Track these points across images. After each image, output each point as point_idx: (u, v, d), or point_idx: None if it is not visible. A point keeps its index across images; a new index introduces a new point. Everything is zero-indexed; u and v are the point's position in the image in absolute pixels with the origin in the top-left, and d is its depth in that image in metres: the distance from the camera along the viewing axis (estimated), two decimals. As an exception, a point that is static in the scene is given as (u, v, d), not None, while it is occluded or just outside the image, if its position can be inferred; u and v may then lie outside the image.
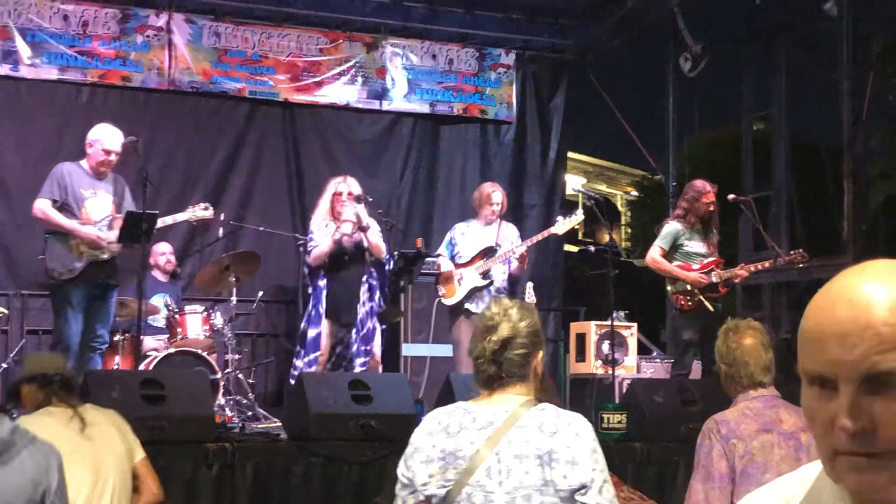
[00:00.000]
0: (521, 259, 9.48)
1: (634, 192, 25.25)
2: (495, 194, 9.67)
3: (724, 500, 4.22)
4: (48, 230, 8.32)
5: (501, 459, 3.20)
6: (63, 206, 8.25)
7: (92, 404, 4.96)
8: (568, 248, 11.69)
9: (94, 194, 8.35)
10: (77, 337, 8.15)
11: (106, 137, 8.44)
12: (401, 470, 3.33)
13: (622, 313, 18.51)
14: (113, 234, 8.24)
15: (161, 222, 8.45)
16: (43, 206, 8.25)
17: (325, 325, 9.28)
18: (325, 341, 9.27)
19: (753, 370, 4.43)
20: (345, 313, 9.34)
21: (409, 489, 3.29)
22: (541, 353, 3.42)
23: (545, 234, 9.73)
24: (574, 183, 16.71)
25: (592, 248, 10.55)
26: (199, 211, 8.69)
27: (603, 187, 28.11)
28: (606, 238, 27.73)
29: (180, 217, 8.58)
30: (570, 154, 26.30)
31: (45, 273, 8.33)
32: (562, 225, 9.61)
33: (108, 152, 8.38)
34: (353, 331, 9.37)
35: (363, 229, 9.29)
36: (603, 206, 9.79)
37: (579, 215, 9.61)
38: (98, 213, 8.31)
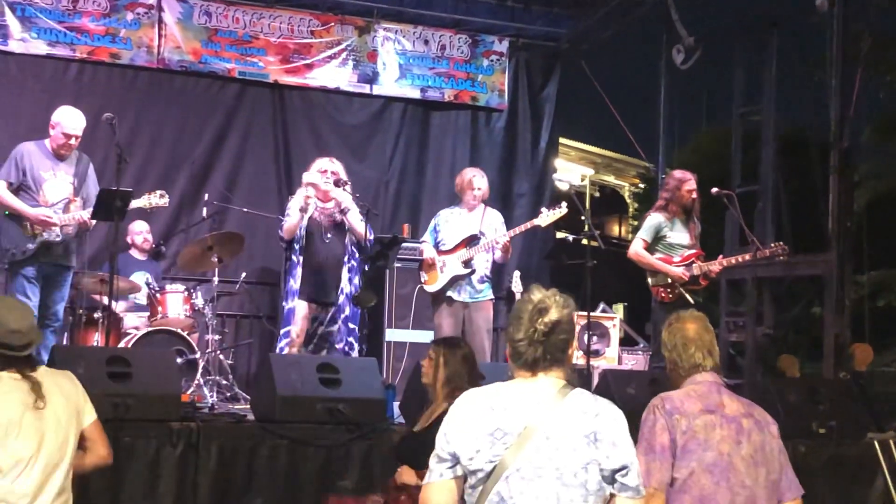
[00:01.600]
0: (504, 248, 9.42)
1: (643, 185, 25.17)
2: (476, 179, 9.59)
3: (664, 471, 4.30)
4: (6, 210, 8.40)
5: (550, 437, 3.32)
6: (22, 187, 8.34)
7: (46, 367, 4.94)
8: (563, 235, 11.50)
9: (53, 176, 8.43)
10: (35, 311, 8.07)
11: (67, 121, 8.46)
12: (440, 444, 3.40)
13: (620, 305, 18.53)
14: (67, 217, 8.32)
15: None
16: None
17: (300, 305, 9.25)
18: (300, 322, 9.24)
19: (694, 353, 4.53)
20: (322, 293, 9.32)
21: (448, 463, 3.38)
22: (575, 342, 3.58)
23: (528, 225, 9.62)
24: (565, 175, 16.60)
25: (570, 238, 10.48)
26: (155, 199, 8.65)
27: (611, 178, 28.00)
28: (616, 229, 27.43)
29: (135, 203, 8.51)
30: (578, 145, 26.40)
31: (0, 252, 8.44)
32: (545, 217, 9.51)
33: (67, 136, 8.43)
34: (333, 312, 9.35)
35: (343, 212, 9.27)
36: (582, 196, 9.76)
37: (563, 208, 9.54)
38: (56, 194, 8.39)
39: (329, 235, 9.35)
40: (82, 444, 4.80)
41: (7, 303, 5.04)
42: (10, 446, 4.51)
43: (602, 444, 3.33)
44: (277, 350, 9.31)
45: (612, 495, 3.36)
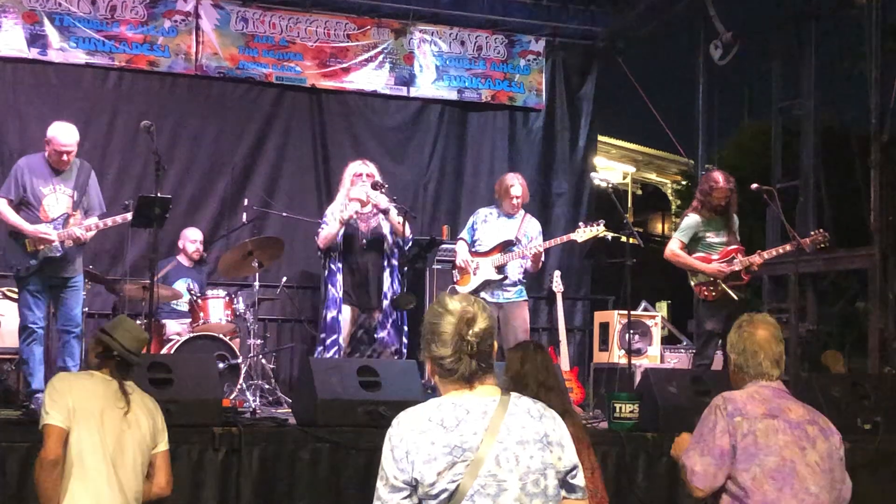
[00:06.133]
0: (535, 258, 9.41)
1: (684, 182, 25.11)
2: (514, 187, 9.58)
3: (719, 476, 4.27)
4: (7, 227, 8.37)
5: (507, 447, 3.21)
6: (23, 203, 8.27)
7: (134, 384, 5.05)
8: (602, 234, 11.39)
9: (53, 191, 8.33)
10: (41, 322, 8.24)
11: (58, 136, 8.33)
12: (391, 470, 3.21)
13: (664, 303, 18.46)
14: (66, 232, 8.22)
15: (94, 226, 8.40)
16: None
17: (345, 310, 9.28)
18: (346, 327, 9.27)
19: (763, 361, 4.45)
20: (365, 298, 9.34)
21: (404, 492, 3.21)
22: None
23: (564, 238, 9.62)
24: (605, 174, 16.54)
25: (609, 237, 10.47)
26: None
27: (653, 176, 27.91)
28: (658, 227, 27.18)
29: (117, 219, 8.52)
30: (619, 142, 26.30)
31: (7, 268, 8.50)
32: (582, 233, 9.48)
33: (59, 152, 8.29)
34: (379, 316, 9.37)
35: (383, 212, 9.29)
36: (621, 194, 9.72)
37: (601, 226, 9.50)
38: (56, 209, 8.30)
39: (365, 241, 9.37)
40: (147, 469, 4.91)
41: (128, 319, 5.24)
42: (83, 433, 4.69)
43: (553, 445, 3.26)
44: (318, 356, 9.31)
45: (563, 498, 3.30)
